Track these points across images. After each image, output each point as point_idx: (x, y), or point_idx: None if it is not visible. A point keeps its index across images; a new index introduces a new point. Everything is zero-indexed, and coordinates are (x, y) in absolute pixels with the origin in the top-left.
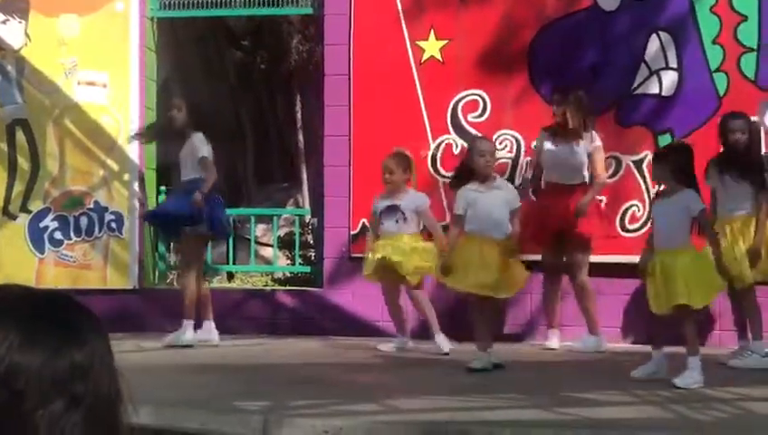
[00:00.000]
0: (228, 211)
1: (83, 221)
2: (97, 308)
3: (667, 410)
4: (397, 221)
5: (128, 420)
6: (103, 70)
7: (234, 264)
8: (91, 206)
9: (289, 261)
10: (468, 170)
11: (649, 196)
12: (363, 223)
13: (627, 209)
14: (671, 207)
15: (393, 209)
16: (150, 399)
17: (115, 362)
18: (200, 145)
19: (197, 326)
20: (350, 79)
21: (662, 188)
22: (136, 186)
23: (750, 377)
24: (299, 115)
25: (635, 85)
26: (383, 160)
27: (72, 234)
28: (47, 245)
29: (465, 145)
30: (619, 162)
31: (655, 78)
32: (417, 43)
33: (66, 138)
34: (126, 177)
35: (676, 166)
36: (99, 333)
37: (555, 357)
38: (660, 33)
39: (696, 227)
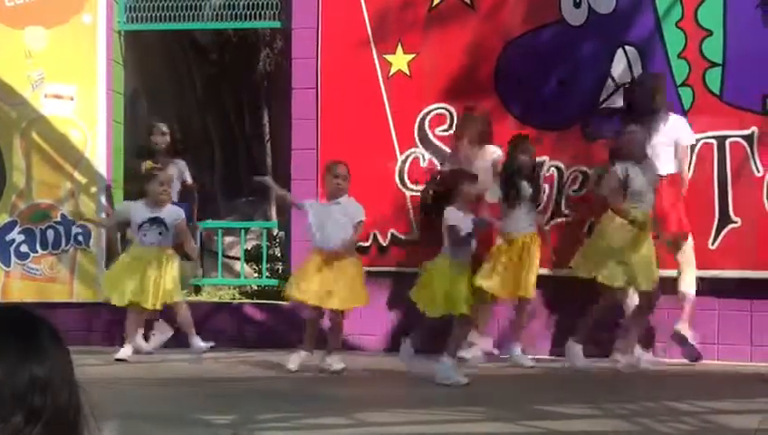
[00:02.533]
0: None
1: (50, 234)
2: (63, 321)
3: (633, 423)
4: (160, 233)
5: (88, 433)
6: (70, 83)
7: (201, 277)
8: (58, 219)
9: (257, 274)
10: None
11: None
12: None
13: (592, 224)
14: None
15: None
16: (117, 413)
17: (76, 376)
18: (186, 170)
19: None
20: (317, 92)
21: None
22: (103, 199)
23: (716, 389)
24: (267, 128)
25: (601, 100)
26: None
27: (38, 247)
28: (13, 258)
29: (434, 159)
30: (585, 176)
31: (621, 93)
32: (385, 56)
33: (33, 151)
34: (93, 190)
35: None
36: (59, 346)
37: (521, 371)
38: (626, 47)
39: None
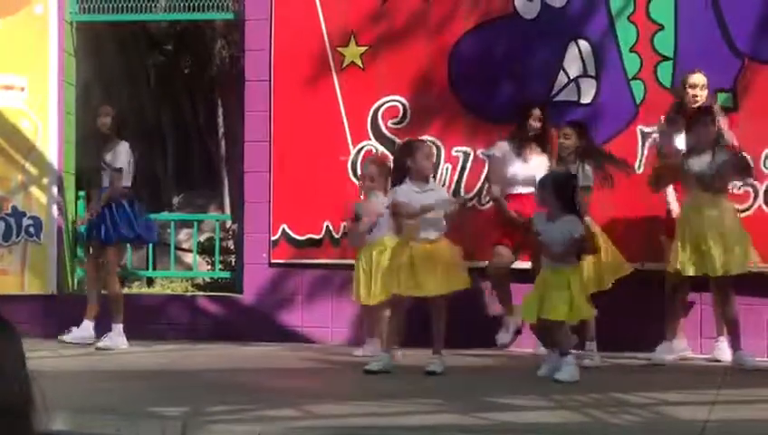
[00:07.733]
0: (149, 217)
1: (0, 226)
2: (15, 314)
3: (584, 415)
4: None
5: (40, 425)
6: (22, 74)
7: (154, 269)
8: (9, 211)
9: (209, 267)
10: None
11: None
12: (283, 229)
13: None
14: (556, 230)
15: None
16: (68, 404)
17: (28, 368)
18: (121, 155)
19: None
20: (270, 85)
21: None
22: (54, 190)
23: (666, 382)
24: (220, 121)
25: (554, 93)
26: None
27: None
28: None
29: (387, 151)
30: None
31: (573, 85)
32: (338, 49)
33: None
34: (44, 181)
35: (560, 192)
36: (10, 338)
37: (474, 363)
38: (579, 41)
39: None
